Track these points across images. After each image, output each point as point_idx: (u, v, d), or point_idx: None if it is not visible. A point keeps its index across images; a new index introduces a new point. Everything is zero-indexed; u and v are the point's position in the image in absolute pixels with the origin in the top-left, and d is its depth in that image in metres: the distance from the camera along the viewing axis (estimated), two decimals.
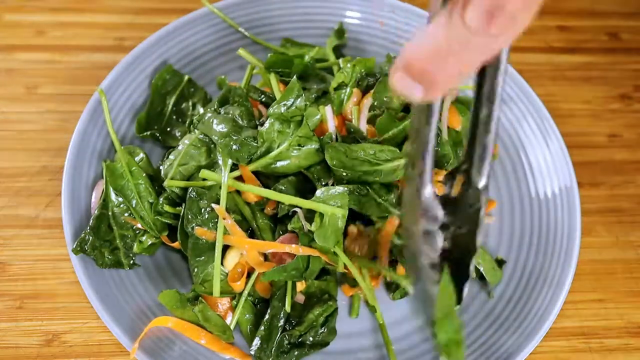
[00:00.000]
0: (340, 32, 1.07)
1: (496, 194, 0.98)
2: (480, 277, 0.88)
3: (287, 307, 0.80)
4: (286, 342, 0.79)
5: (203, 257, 0.81)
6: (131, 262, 0.84)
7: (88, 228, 0.83)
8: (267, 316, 0.81)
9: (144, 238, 0.85)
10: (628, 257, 0.98)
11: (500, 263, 0.91)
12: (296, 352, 0.79)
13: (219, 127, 0.83)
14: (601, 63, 1.23)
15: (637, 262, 0.98)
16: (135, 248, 0.85)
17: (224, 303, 0.82)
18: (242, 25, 1.06)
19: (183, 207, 0.82)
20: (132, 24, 1.18)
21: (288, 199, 0.80)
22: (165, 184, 0.84)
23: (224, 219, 0.78)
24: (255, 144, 0.82)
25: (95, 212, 0.85)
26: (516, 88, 1.01)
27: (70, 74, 1.10)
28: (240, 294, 0.82)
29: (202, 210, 0.81)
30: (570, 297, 0.92)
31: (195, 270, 0.81)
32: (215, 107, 0.89)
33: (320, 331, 0.81)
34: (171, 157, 0.87)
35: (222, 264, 0.81)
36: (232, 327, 0.80)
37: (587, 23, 1.29)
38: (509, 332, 0.83)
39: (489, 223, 0.95)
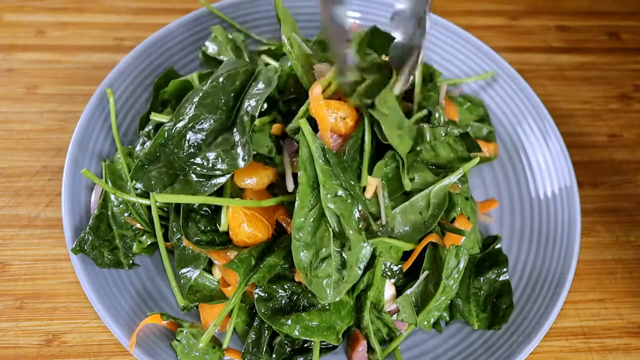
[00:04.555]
0: None
1: (496, 194, 0.98)
2: None
3: None
4: (288, 349, 0.78)
5: (189, 268, 0.80)
6: (130, 262, 0.84)
7: (88, 228, 0.83)
8: (256, 321, 0.79)
9: (143, 238, 0.85)
10: (628, 257, 0.98)
11: None
12: (300, 359, 0.78)
13: None
14: (601, 63, 1.23)
15: (637, 262, 0.98)
16: (135, 248, 0.85)
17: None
18: (242, 25, 1.06)
19: (170, 218, 0.82)
20: (132, 24, 1.18)
21: None
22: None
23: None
24: None
25: (95, 211, 0.85)
26: (516, 88, 1.01)
27: (70, 74, 1.10)
28: (232, 305, 0.79)
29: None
30: (570, 297, 0.92)
31: (182, 282, 0.80)
32: None
33: None
34: None
35: (210, 273, 0.82)
36: (228, 337, 0.79)
37: (587, 23, 1.29)
38: (509, 332, 0.83)
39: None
